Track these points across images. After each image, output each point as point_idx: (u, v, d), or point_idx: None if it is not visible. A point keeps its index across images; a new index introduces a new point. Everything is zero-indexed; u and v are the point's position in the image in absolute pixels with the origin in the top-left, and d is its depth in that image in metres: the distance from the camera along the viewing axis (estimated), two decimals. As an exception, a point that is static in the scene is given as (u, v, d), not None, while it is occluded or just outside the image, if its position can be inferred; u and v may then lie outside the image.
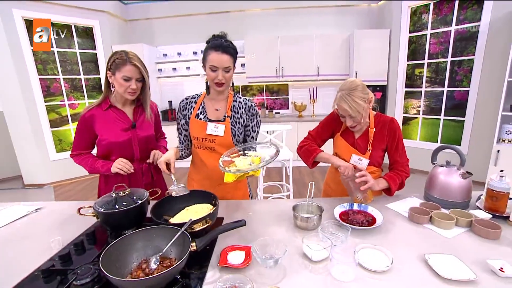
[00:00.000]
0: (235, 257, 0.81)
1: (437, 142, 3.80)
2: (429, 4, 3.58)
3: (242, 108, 1.26)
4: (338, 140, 1.32)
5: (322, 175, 3.89)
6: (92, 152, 1.34)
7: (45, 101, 3.91)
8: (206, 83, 1.21)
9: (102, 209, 0.90)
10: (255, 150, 1.09)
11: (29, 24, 3.66)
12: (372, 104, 1.21)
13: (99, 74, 4.37)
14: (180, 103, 1.30)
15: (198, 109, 1.25)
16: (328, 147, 1.39)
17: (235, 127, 1.23)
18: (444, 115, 3.68)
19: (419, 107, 3.98)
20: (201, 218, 0.83)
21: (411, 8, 3.77)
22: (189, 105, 1.27)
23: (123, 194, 0.98)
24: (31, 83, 3.70)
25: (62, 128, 4.15)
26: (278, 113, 4.77)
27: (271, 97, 4.92)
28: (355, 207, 1.12)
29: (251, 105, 1.28)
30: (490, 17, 3.02)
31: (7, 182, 4.15)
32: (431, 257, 0.78)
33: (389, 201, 1.22)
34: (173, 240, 0.73)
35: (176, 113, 1.33)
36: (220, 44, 1.10)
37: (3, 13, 3.35)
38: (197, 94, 1.29)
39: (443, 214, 1.00)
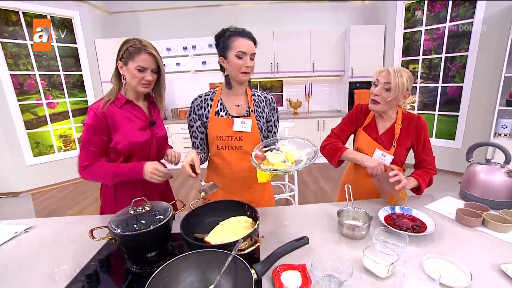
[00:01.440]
0: (291, 279, 0.68)
1: (432, 137, 3.87)
2: (423, 0, 3.61)
3: (263, 102, 1.18)
4: (360, 134, 1.26)
5: (322, 172, 3.84)
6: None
7: (18, 100, 3.52)
8: (226, 76, 1.09)
9: (120, 230, 0.74)
10: (282, 145, 0.97)
11: (-3, 13, 3.26)
12: (406, 102, 1.17)
13: (81, 71, 4.02)
14: (193, 102, 1.15)
15: (217, 106, 1.12)
16: (348, 143, 1.32)
17: (260, 122, 1.14)
18: (439, 110, 3.76)
19: (414, 102, 4.03)
20: (246, 235, 0.70)
21: (406, 4, 3.79)
22: (205, 103, 1.13)
23: (143, 211, 0.81)
24: (1, 80, 3.30)
25: (40, 129, 3.77)
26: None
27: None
28: (397, 210, 1.04)
29: (271, 98, 1.21)
30: (483, 14, 3.09)
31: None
32: (508, 268, 0.70)
33: (425, 202, 1.15)
34: (224, 268, 0.58)
35: (188, 116, 1.17)
36: (244, 31, 1.04)
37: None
38: (211, 91, 1.16)
39: (496, 216, 0.93)
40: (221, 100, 1.13)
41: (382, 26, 3.99)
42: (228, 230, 0.81)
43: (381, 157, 1.17)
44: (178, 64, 4.44)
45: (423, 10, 3.65)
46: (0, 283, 0.74)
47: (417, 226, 0.92)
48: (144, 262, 0.79)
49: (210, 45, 4.32)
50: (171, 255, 0.81)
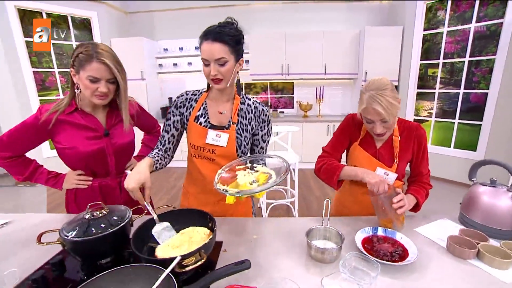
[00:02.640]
0: (236, 305, 0.63)
1: (450, 146, 3.58)
2: (447, 0, 3.35)
3: (251, 112, 1.04)
4: (356, 150, 1.12)
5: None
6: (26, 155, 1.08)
7: (39, 96, 3.74)
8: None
9: (70, 236, 0.72)
10: (264, 164, 0.90)
11: (23, 14, 3.48)
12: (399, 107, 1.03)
13: (96, 69, 4.19)
14: (178, 97, 1.06)
15: (199, 110, 1.03)
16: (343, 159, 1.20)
17: (241, 136, 1.02)
18: (459, 119, 3.47)
19: (431, 109, 3.76)
20: (192, 252, 0.65)
21: (427, 4, 3.54)
22: (189, 103, 1.04)
23: (100, 215, 0.79)
24: (24, 76, 3.52)
25: (57, 124, 3.98)
26: (283, 112, 4.58)
27: (275, 96, 4.72)
28: (380, 232, 0.93)
29: (263, 109, 1.06)
30: (515, 14, 2.80)
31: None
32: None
33: (417, 223, 1.03)
34: (156, 284, 0.54)
35: (171, 108, 1.06)
36: (210, 31, 0.88)
37: (-7, 1, 3.17)
38: (198, 91, 1.07)
39: (494, 247, 0.81)
40: (205, 104, 1.04)
41: (400, 27, 3.76)
42: (185, 241, 0.76)
43: (384, 176, 1.05)
44: (189, 63, 4.49)
45: (446, 10, 3.39)
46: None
47: (397, 254, 0.82)
48: (97, 268, 0.76)
49: (222, 46, 4.33)
50: (126, 262, 0.79)
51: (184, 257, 0.62)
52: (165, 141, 1.06)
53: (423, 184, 1.11)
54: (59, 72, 3.88)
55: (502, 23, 2.93)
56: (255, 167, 0.88)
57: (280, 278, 0.68)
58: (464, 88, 3.36)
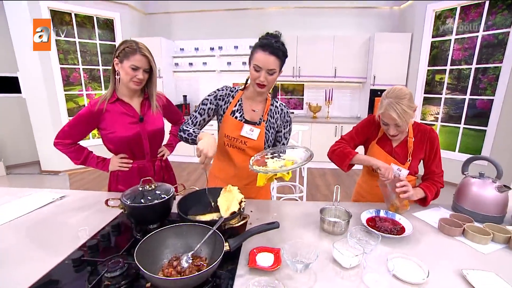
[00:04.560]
0: (264, 259, 0.79)
1: (455, 150, 3.69)
2: (456, 8, 3.47)
3: (278, 113, 1.22)
4: (374, 148, 1.28)
5: (335, 178, 3.84)
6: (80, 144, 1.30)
7: (64, 90, 3.99)
8: (247, 79, 1.15)
9: (129, 202, 0.90)
10: (285, 154, 1.06)
11: (53, 14, 3.74)
12: (414, 114, 1.17)
13: (117, 66, 4.43)
14: (219, 90, 1.19)
15: (235, 105, 1.18)
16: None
17: (269, 132, 1.20)
18: (464, 124, 3.57)
19: (437, 114, 3.87)
20: (234, 214, 0.83)
21: (436, 12, 3.66)
22: (227, 97, 1.19)
23: (150, 188, 0.97)
24: (53, 72, 3.78)
25: (79, 117, 4.23)
26: (293, 113, 4.73)
27: (286, 97, 4.88)
28: (382, 214, 1.09)
29: (287, 111, 1.25)
30: (521, 24, 2.90)
31: (26, 167, 4.27)
32: (469, 272, 0.75)
33: (416, 210, 1.18)
34: (204, 239, 0.71)
35: (209, 96, 1.19)
36: (270, 44, 1.02)
37: (30, 3, 3.43)
38: (235, 88, 1.21)
39: (477, 227, 0.96)
40: (241, 101, 1.19)
41: (408, 34, 3.88)
42: (231, 199, 0.93)
43: (397, 172, 1.19)
44: (204, 63, 4.69)
45: (454, 18, 3.50)
46: (41, 234, 0.95)
47: (395, 230, 0.98)
48: (146, 231, 0.95)
49: (236, 47, 4.52)
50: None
51: (227, 219, 0.80)
52: (197, 122, 1.17)
53: (435, 182, 1.21)
54: (83, 68, 4.13)
55: (509, 32, 3.03)
56: (281, 155, 1.04)
57: (300, 242, 0.84)
58: (470, 94, 3.47)
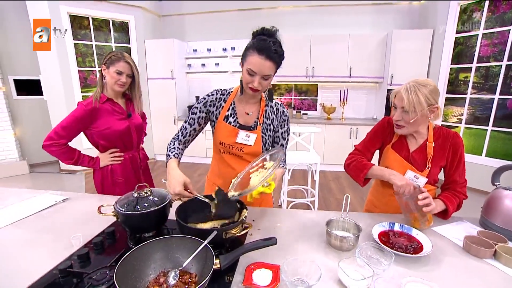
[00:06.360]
0: (261, 277, 0.72)
1: (481, 155, 3.41)
2: (484, 0, 3.21)
3: (274, 114, 1.15)
4: (389, 152, 1.16)
5: (350, 182, 3.68)
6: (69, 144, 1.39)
7: (82, 92, 4.12)
8: (241, 81, 1.03)
9: (123, 210, 0.86)
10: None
11: (73, 19, 3.87)
12: (434, 116, 1.05)
13: (132, 68, 4.52)
14: (208, 96, 1.11)
15: (228, 110, 1.11)
16: (374, 160, 1.22)
17: (265, 135, 1.13)
18: (493, 126, 3.29)
19: (461, 115, 3.60)
20: (235, 223, 0.77)
21: (461, 5, 3.41)
22: (218, 102, 1.11)
23: (145, 195, 0.93)
24: (71, 75, 3.92)
25: (95, 118, 4.36)
26: (306, 114, 4.61)
27: (299, 98, 4.77)
28: (397, 227, 0.98)
29: (283, 110, 1.17)
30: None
31: (46, 166, 4.45)
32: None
33: (436, 224, 1.06)
34: (193, 255, 0.65)
35: (198, 104, 1.11)
36: (267, 47, 0.92)
37: (51, 8, 3.58)
38: (226, 90, 1.14)
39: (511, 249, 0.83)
40: (233, 104, 1.12)
41: (430, 30, 3.65)
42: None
43: (414, 179, 1.08)
44: (217, 64, 4.69)
45: (482, 11, 3.24)
46: (36, 240, 0.93)
47: (412, 248, 0.87)
48: (141, 240, 0.90)
49: (248, 48, 4.46)
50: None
51: (228, 228, 0.75)
52: (186, 133, 1.12)
53: (457, 192, 1.08)
54: (99, 71, 4.25)
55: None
56: (265, 165, 0.96)
57: (302, 259, 0.76)
58: (500, 94, 3.19)
